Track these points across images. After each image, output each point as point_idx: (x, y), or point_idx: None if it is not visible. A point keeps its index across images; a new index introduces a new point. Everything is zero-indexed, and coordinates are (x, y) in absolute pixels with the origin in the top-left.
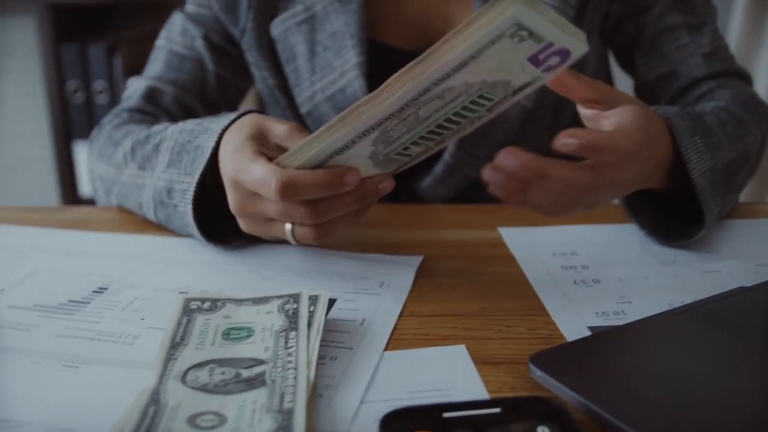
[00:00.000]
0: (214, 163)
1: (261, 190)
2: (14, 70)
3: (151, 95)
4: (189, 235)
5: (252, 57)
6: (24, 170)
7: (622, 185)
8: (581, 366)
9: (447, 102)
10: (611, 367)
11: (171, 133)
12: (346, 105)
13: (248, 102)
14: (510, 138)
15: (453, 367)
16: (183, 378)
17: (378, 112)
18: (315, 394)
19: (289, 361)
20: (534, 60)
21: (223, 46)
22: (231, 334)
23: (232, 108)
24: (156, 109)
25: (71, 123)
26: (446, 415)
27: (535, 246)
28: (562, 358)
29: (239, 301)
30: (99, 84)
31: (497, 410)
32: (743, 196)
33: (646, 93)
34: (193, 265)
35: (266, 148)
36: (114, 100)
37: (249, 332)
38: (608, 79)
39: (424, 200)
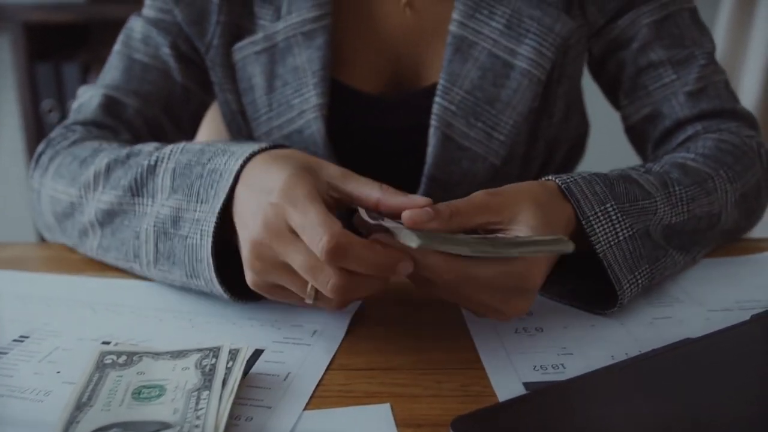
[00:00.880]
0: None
1: (307, 235)
2: None
3: (110, 106)
4: (189, 279)
5: (216, 77)
6: None
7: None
8: (500, 429)
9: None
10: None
11: (170, 153)
12: (304, 146)
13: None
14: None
15: (373, 428)
16: None
17: None
18: None
19: (196, 425)
20: None
21: (191, 56)
22: (142, 393)
23: (195, 125)
24: (115, 122)
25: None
26: None
27: None
28: (485, 422)
29: (157, 355)
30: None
31: None
32: None
33: (634, 136)
34: (121, 311)
35: (319, 184)
36: None
37: (161, 391)
38: (579, 102)
39: None
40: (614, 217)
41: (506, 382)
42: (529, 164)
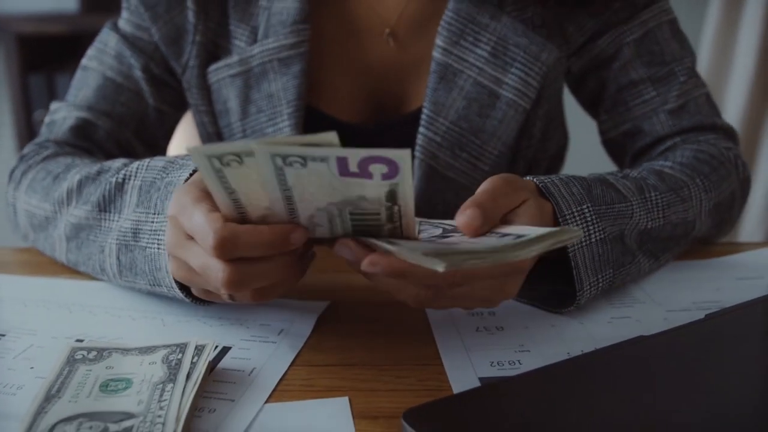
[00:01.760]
0: None
1: (198, 238)
2: None
3: (83, 129)
4: (152, 287)
5: (192, 98)
6: None
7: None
8: (452, 422)
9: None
10: (481, 422)
11: (136, 170)
12: None
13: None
14: None
15: (330, 420)
16: None
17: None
18: None
19: (159, 415)
20: (346, 173)
21: (164, 78)
22: (109, 386)
23: (167, 141)
24: (87, 143)
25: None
26: None
27: None
28: (435, 413)
29: (126, 351)
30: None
31: None
32: None
33: (611, 148)
34: (95, 311)
35: None
36: None
37: (127, 384)
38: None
39: None
40: (589, 219)
41: (463, 378)
42: (533, 170)
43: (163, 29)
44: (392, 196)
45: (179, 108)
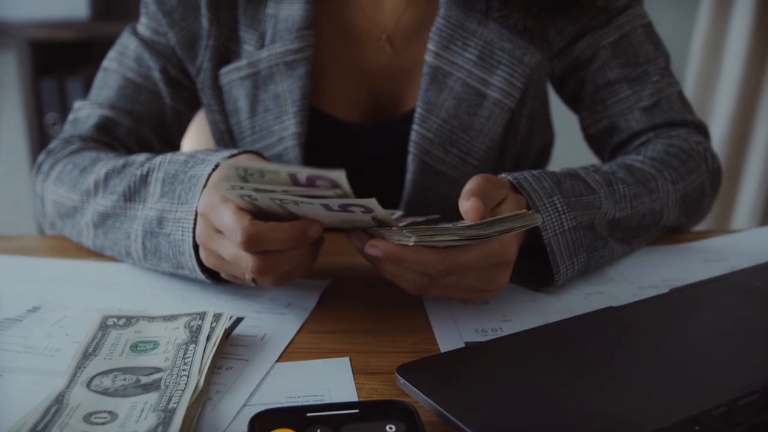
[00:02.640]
0: None
1: (227, 235)
2: None
3: (106, 126)
4: (175, 269)
5: (205, 98)
6: (3, 201)
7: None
8: (439, 375)
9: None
10: (465, 376)
11: (159, 163)
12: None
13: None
14: None
15: (333, 376)
16: (88, 383)
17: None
18: (202, 398)
19: (184, 370)
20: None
21: (180, 79)
22: (138, 347)
23: (181, 137)
24: (110, 138)
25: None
26: (310, 414)
27: None
28: (424, 368)
29: (151, 318)
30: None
31: (356, 411)
32: None
33: (592, 143)
34: (121, 288)
35: None
36: None
37: (155, 345)
38: (546, 120)
39: None
40: (560, 209)
41: (450, 342)
42: (519, 166)
43: (179, 34)
44: (376, 219)
45: (193, 107)
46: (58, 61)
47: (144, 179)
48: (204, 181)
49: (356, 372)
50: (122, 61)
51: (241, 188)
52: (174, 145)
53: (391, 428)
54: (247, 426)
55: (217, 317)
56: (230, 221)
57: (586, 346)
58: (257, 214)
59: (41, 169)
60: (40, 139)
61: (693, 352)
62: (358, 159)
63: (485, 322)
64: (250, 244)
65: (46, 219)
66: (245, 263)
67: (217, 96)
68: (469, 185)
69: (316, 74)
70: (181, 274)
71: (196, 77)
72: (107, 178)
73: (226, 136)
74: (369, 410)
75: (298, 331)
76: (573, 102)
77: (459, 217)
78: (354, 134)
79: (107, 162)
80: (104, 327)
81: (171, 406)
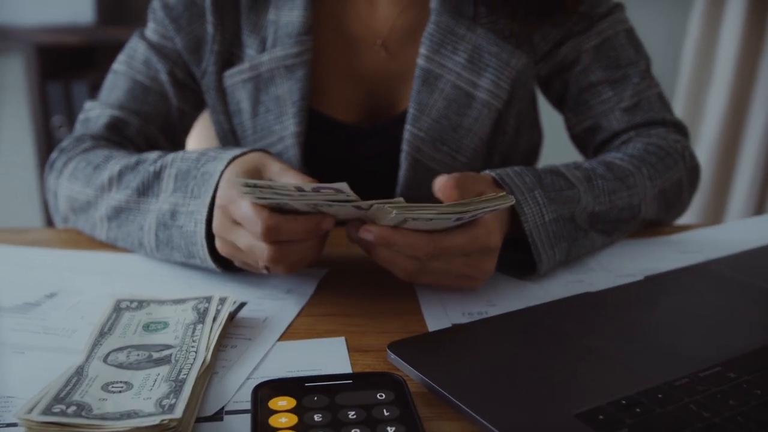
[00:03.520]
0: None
1: (246, 226)
2: (2, 106)
3: (116, 125)
4: (187, 259)
5: (210, 99)
6: (11, 200)
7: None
8: (427, 351)
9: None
10: (451, 352)
11: (172, 160)
12: (284, 161)
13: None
14: None
15: (330, 353)
16: (105, 358)
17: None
18: (209, 371)
19: (192, 346)
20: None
21: (186, 81)
22: (150, 327)
23: (186, 136)
24: (121, 139)
25: None
26: (308, 384)
27: None
28: (413, 345)
29: (161, 302)
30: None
31: (349, 381)
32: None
33: (577, 142)
34: (132, 276)
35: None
36: None
37: (165, 325)
38: (533, 119)
39: None
40: (541, 202)
41: (439, 324)
42: (508, 161)
43: (185, 39)
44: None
45: (198, 108)
46: (65, 66)
47: (157, 175)
48: (217, 177)
49: (351, 350)
50: (131, 64)
51: (258, 192)
52: (180, 144)
53: (381, 396)
54: (250, 395)
55: (222, 300)
56: (250, 213)
57: (564, 326)
58: (271, 207)
59: (54, 166)
60: (46, 140)
61: (662, 332)
62: (355, 158)
63: (472, 306)
64: (269, 234)
65: (59, 213)
66: (260, 252)
67: (221, 97)
68: (445, 179)
69: (315, 77)
70: (192, 263)
71: (201, 80)
72: (121, 174)
73: (229, 136)
74: (362, 381)
75: (298, 315)
76: (558, 103)
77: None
78: (351, 134)
79: (120, 159)
80: (118, 309)
81: (181, 377)
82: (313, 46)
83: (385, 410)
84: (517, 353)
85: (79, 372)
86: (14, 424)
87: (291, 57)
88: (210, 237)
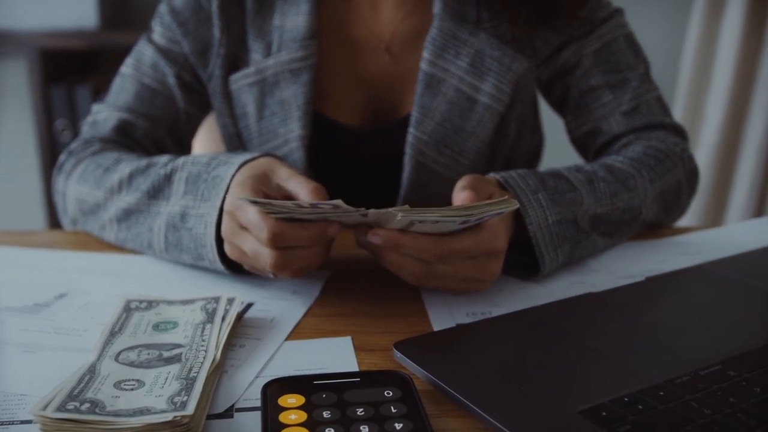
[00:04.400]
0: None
1: (253, 231)
2: (6, 110)
3: (124, 128)
4: (196, 261)
5: (216, 102)
6: (14, 203)
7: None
8: (432, 350)
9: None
10: (456, 351)
11: (182, 164)
12: (292, 166)
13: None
14: None
15: (337, 352)
16: (116, 357)
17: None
18: (219, 370)
19: (202, 345)
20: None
21: (193, 85)
22: (160, 326)
23: (192, 138)
24: (129, 141)
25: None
26: (316, 382)
27: None
28: (419, 344)
29: (170, 302)
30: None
31: (357, 379)
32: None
33: (577, 146)
34: (140, 277)
35: (266, 186)
36: None
37: (174, 325)
38: (534, 121)
39: None
40: (544, 204)
41: (443, 324)
42: (511, 162)
43: (192, 43)
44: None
45: (204, 110)
46: (68, 70)
47: (168, 178)
48: (228, 180)
49: (357, 349)
50: (139, 67)
51: (262, 207)
52: (186, 146)
53: (388, 393)
54: (260, 393)
55: (230, 301)
56: (256, 219)
57: (567, 325)
58: None
59: (63, 168)
60: (49, 144)
61: (662, 331)
62: (359, 160)
63: (476, 306)
64: (275, 240)
65: (67, 215)
66: (265, 258)
67: (227, 101)
68: (461, 182)
69: (320, 81)
70: (201, 265)
71: (208, 83)
72: (131, 177)
73: (235, 139)
74: (369, 378)
75: (304, 315)
76: (559, 106)
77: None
78: (355, 137)
79: (130, 162)
80: (128, 309)
81: (192, 375)
82: (318, 51)
83: (392, 407)
84: (521, 352)
85: (92, 370)
86: (29, 421)
87: (296, 61)
88: (220, 239)
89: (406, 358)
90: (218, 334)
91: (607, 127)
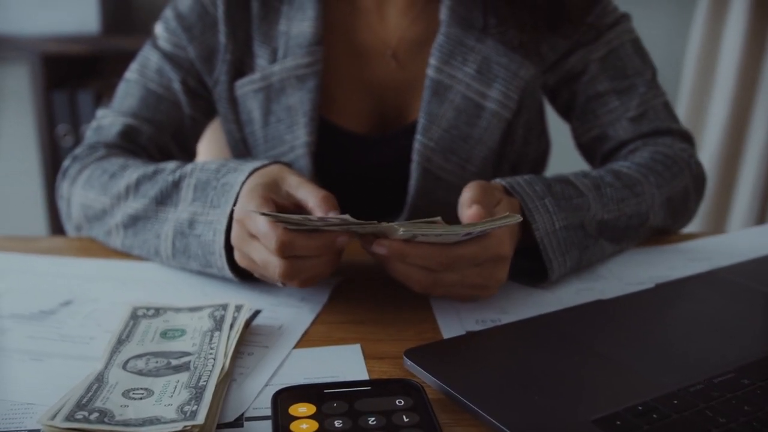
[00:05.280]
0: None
1: (262, 240)
2: (8, 114)
3: (129, 133)
4: (203, 268)
5: (221, 108)
6: (16, 209)
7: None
8: (443, 358)
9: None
10: (467, 359)
11: (191, 171)
12: (302, 174)
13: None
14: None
15: (346, 360)
16: (124, 365)
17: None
18: (228, 378)
19: (210, 353)
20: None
21: (198, 90)
22: (167, 334)
23: (197, 143)
24: (133, 146)
25: (61, 165)
26: (327, 391)
27: None
28: (429, 352)
29: (178, 310)
30: (87, 128)
31: (368, 388)
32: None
33: (584, 151)
34: (146, 284)
35: (276, 194)
36: None
37: (182, 332)
38: (541, 126)
39: None
40: (551, 210)
41: (453, 331)
42: (519, 166)
43: (198, 48)
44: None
45: (209, 116)
46: (70, 75)
47: (176, 185)
48: (238, 188)
49: (367, 357)
50: (144, 72)
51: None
52: (191, 151)
53: (400, 402)
54: (270, 401)
55: (238, 308)
56: (266, 228)
57: (578, 333)
58: None
59: (68, 174)
60: (51, 149)
61: (674, 339)
62: (365, 167)
63: (485, 313)
64: (283, 249)
65: (72, 221)
66: (273, 267)
67: (233, 107)
68: (467, 193)
69: (326, 87)
70: (209, 272)
71: (213, 89)
72: (138, 183)
73: (240, 145)
74: (380, 387)
75: (312, 322)
76: (565, 112)
77: (458, 222)
78: (361, 144)
79: (137, 168)
80: (135, 317)
81: (201, 383)
82: (324, 57)
83: (404, 416)
84: (532, 360)
85: (100, 379)
86: (37, 431)
87: (302, 67)
88: (229, 247)
89: (417, 366)
90: (226, 341)
91: (613, 133)
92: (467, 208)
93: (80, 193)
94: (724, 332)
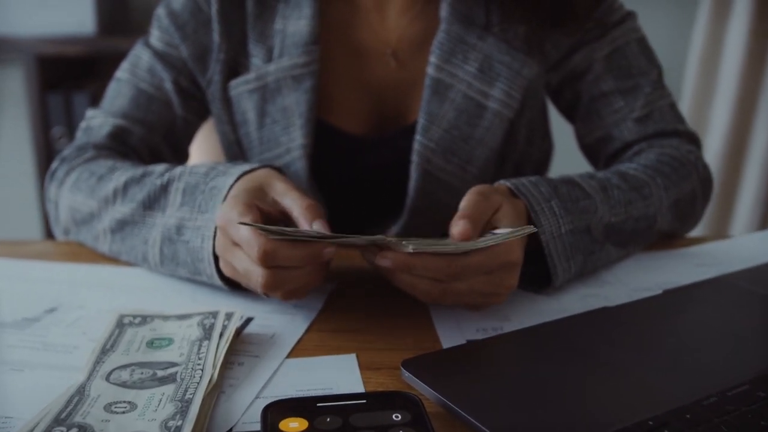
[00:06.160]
0: None
1: (244, 249)
2: (2, 116)
3: (119, 134)
4: (192, 275)
5: (215, 109)
6: (10, 211)
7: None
8: (442, 369)
9: None
10: (467, 370)
11: (179, 174)
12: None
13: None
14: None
15: (341, 371)
16: (107, 377)
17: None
18: (216, 390)
19: (198, 364)
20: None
21: (191, 91)
22: (154, 343)
23: (189, 145)
24: (124, 148)
25: None
26: (320, 404)
27: None
28: (428, 362)
29: (165, 317)
30: None
31: (363, 401)
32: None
33: (587, 153)
34: (135, 290)
35: (261, 201)
36: None
37: (169, 341)
38: (544, 127)
39: None
40: (557, 213)
41: (452, 340)
42: (521, 169)
43: (191, 47)
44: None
45: (202, 117)
46: (65, 76)
47: (164, 189)
48: (225, 192)
49: (363, 367)
50: (135, 72)
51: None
52: (182, 153)
53: (397, 417)
54: (260, 416)
55: (228, 316)
56: (249, 236)
57: (583, 342)
58: None
59: (56, 176)
60: (46, 151)
61: (684, 348)
62: (363, 169)
63: (486, 321)
64: (266, 258)
65: (60, 225)
66: (256, 277)
67: (227, 107)
68: (463, 203)
69: (323, 87)
70: (198, 279)
71: (207, 89)
72: (126, 186)
73: (234, 147)
74: (376, 400)
75: (306, 331)
76: (568, 112)
77: None
78: (359, 145)
79: (126, 171)
80: (121, 325)
81: (187, 396)
82: (321, 56)
83: None
84: (535, 371)
85: (81, 391)
86: None
87: (298, 67)
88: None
89: (415, 378)
90: (215, 351)
91: (618, 134)
92: (455, 223)
93: (68, 196)
94: (735, 341)
